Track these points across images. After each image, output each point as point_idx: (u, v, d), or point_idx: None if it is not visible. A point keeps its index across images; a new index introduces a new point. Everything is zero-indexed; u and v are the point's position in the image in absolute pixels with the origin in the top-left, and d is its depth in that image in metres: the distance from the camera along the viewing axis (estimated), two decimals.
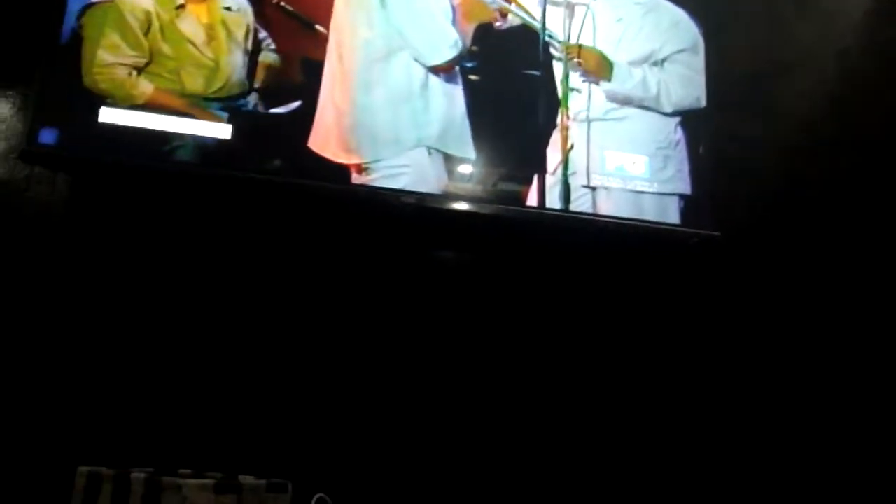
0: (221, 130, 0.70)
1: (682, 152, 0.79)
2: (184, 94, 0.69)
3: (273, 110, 0.71)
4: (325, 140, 0.71)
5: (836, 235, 0.85)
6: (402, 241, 0.76)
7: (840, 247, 0.85)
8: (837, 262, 0.84)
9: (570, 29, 0.78)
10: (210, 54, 0.70)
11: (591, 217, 0.75)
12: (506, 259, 0.78)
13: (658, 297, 0.80)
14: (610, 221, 0.75)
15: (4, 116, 0.71)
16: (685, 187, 0.78)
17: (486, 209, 0.74)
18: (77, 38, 0.69)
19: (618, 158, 0.77)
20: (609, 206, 0.75)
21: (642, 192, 0.77)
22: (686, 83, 0.80)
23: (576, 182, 0.75)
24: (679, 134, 0.79)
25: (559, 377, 0.76)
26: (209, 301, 0.71)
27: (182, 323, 0.69)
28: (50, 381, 0.67)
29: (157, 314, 0.69)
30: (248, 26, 0.71)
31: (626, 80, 0.78)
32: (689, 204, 0.77)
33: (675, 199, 0.77)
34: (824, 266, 0.84)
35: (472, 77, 0.75)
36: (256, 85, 0.71)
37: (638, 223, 0.76)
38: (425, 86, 0.74)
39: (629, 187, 0.77)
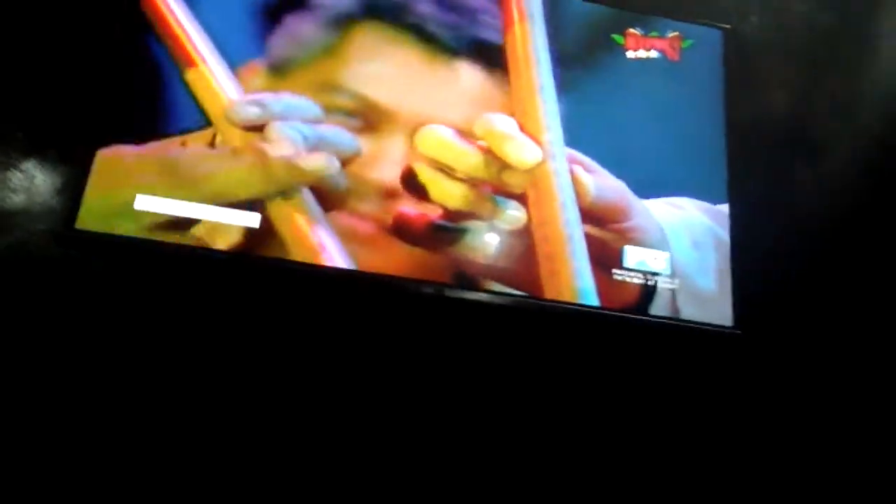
0: (251, 219, 0.72)
1: (703, 248, 0.79)
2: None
3: None
4: None
5: (871, 329, 0.83)
6: (419, 331, 0.77)
7: (877, 343, 0.82)
8: (873, 360, 0.82)
9: None
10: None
11: (605, 312, 0.75)
12: (519, 353, 0.78)
13: (675, 397, 0.79)
14: (624, 317, 0.75)
15: (44, 198, 0.74)
16: (705, 284, 0.77)
17: (503, 301, 0.74)
18: None
19: (639, 254, 0.77)
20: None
21: (664, 289, 0.77)
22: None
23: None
24: (699, 231, 0.79)
25: (577, 476, 0.75)
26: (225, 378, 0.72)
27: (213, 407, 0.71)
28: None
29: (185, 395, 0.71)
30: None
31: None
32: (710, 301, 0.77)
33: (697, 295, 0.77)
34: (858, 365, 0.82)
35: None
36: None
37: (654, 319, 0.75)
38: None
39: (650, 283, 0.76)
